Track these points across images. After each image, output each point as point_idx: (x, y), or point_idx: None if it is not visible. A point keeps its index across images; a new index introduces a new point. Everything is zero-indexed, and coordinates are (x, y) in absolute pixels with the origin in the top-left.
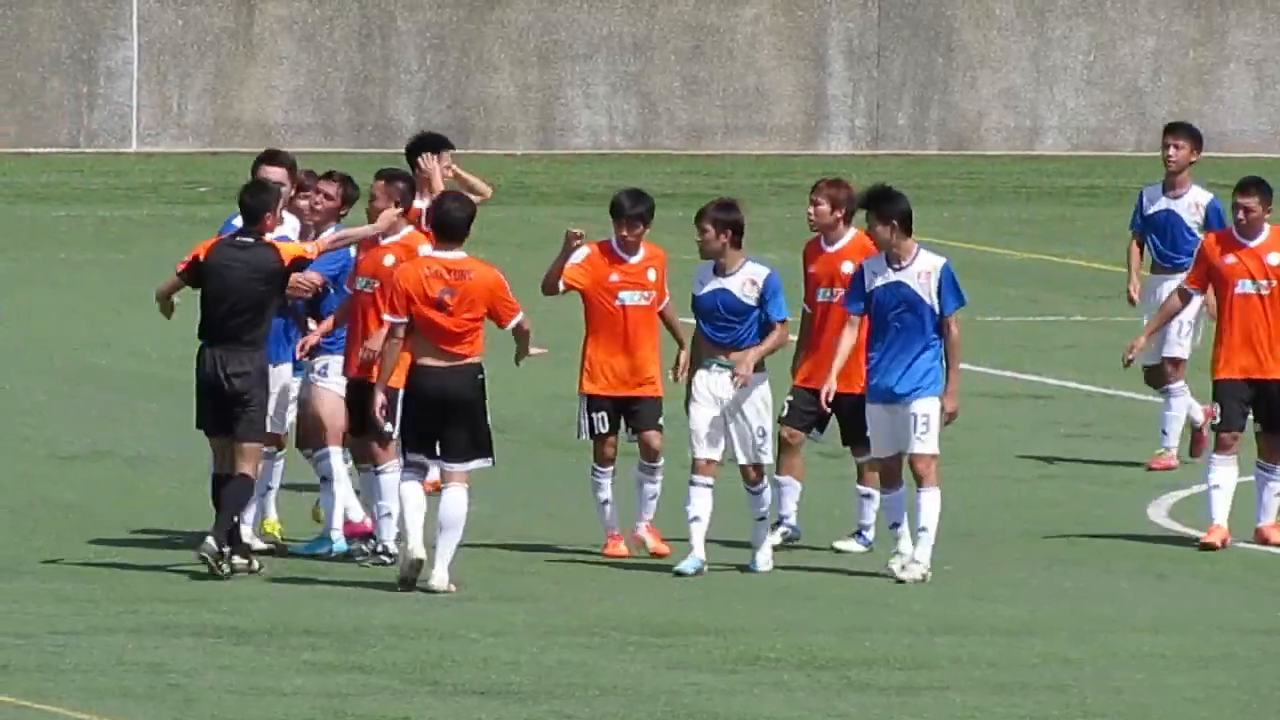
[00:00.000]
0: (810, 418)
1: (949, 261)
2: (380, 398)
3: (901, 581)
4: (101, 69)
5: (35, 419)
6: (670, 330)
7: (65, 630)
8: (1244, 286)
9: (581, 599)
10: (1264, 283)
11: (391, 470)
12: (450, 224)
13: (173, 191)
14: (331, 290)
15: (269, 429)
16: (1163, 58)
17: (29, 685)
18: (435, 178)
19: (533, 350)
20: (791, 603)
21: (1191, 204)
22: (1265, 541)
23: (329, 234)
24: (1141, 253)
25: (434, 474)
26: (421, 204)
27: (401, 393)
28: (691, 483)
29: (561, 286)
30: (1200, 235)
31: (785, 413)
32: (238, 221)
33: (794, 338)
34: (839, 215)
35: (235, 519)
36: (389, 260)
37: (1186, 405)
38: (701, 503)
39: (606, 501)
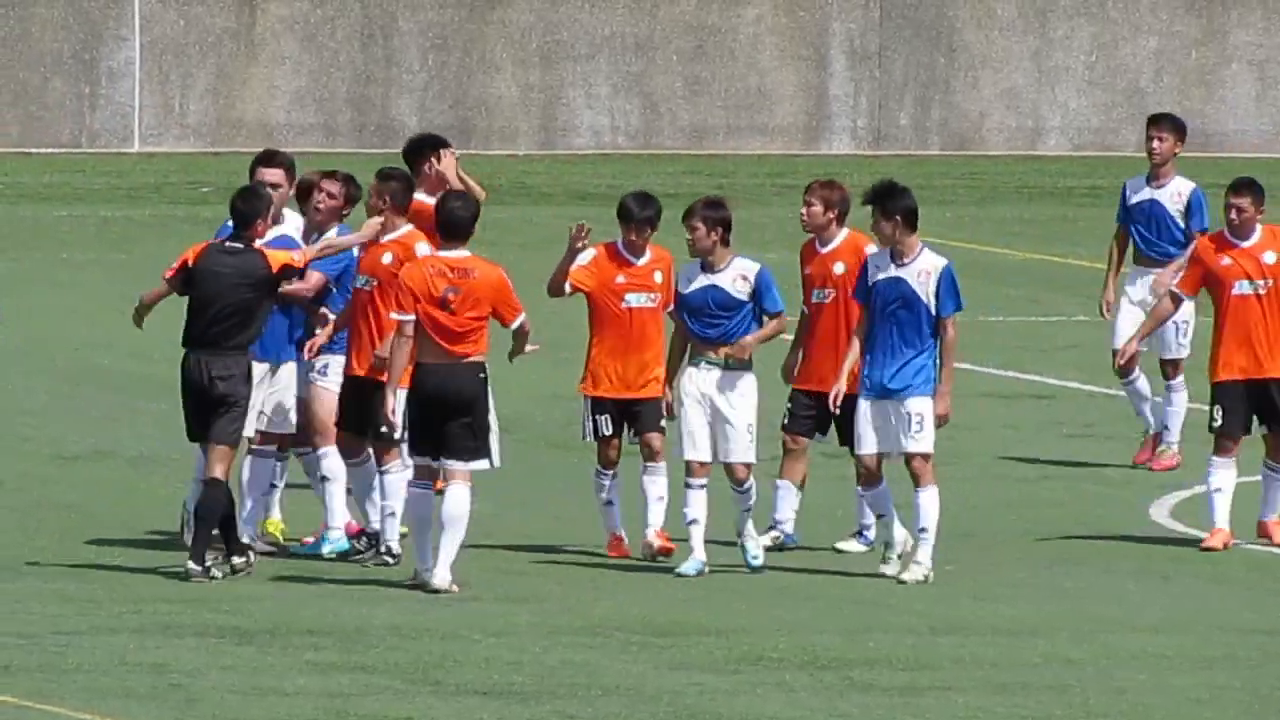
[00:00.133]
0: (810, 422)
1: (951, 264)
2: (390, 399)
3: (903, 582)
4: (103, 69)
5: (37, 419)
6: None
7: (68, 630)
8: (1241, 287)
9: (584, 599)
10: (1261, 282)
11: (395, 470)
12: (454, 223)
13: (175, 192)
14: (334, 290)
15: (276, 429)
16: (1164, 58)
17: (31, 685)
18: (451, 174)
19: (527, 348)
20: (793, 603)
21: (1174, 193)
22: (1266, 536)
23: (317, 243)
24: (1124, 248)
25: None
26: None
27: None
28: (687, 485)
29: (568, 288)
30: (1183, 223)
31: (786, 420)
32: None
33: (787, 337)
34: (831, 216)
35: (214, 531)
36: (387, 258)
37: (1184, 402)
38: (698, 505)
39: (609, 502)
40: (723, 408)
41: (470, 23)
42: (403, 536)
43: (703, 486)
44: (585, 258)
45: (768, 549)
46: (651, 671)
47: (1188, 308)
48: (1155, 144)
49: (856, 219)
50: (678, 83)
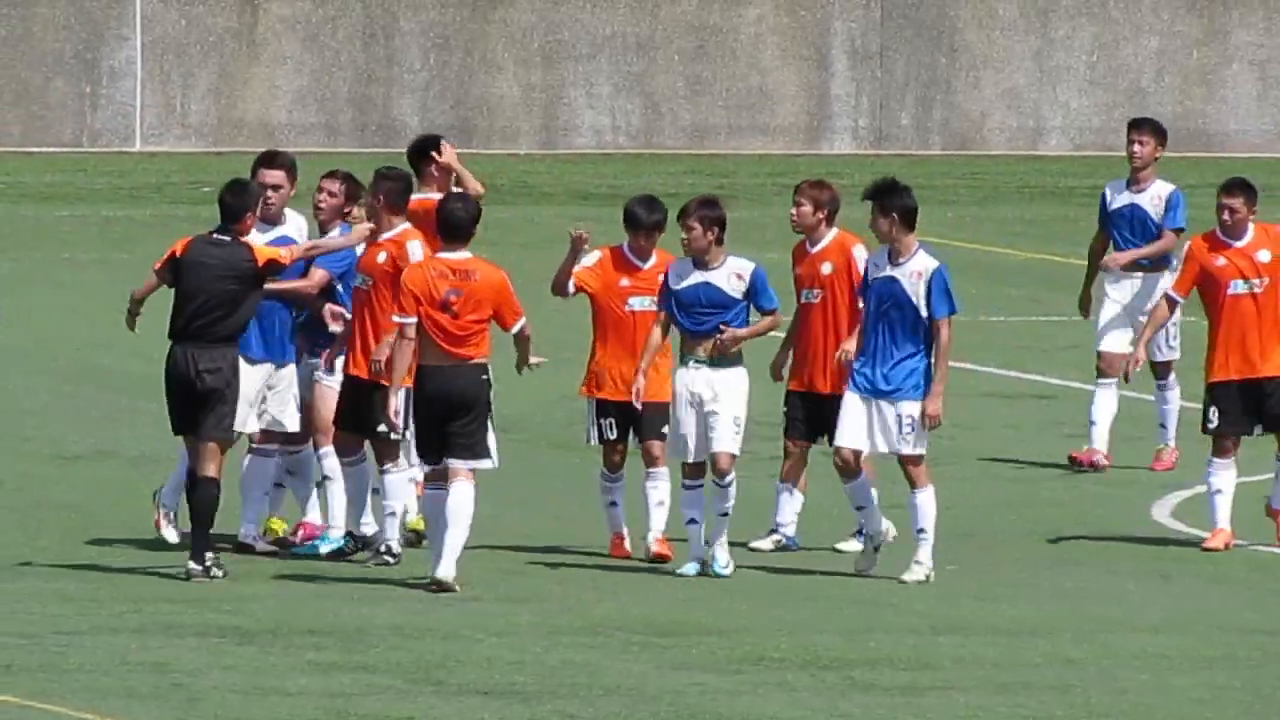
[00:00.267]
0: (814, 422)
1: (944, 266)
2: (394, 401)
3: (904, 582)
4: (105, 69)
5: (38, 419)
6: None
7: (69, 630)
8: (1236, 287)
9: (585, 599)
10: (1256, 281)
11: (397, 470)
12: (454, 224)
13: (176, 191)
14: (339, 289)
15: (278, 429)
16: (1166, 58)
17: (33, 685)
18: (455, 163)
19: (533, 360)
20: (794, 603)
21: (1154, 197)
22: (1276, 517)
23: (304, 242)
24: (1102, 252)
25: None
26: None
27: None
28: (684, 486)
29: (572, 288)
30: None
31: (786, 425)
32: None
33: (780, 334)
34: (821, 216)
35: (210, 529)
36: (381, 257)
37: (1178, 399)
38: (695, 505)
39: (613, 503)
40: (709, 401)
41: (472, 22)
42: (421, 537)
43: (699, 486)
44: (590, 259)
45: (770, 551)
46: (653, 671)
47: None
48: (1136, 147)
49: (853, 219)
50: (679, 82)
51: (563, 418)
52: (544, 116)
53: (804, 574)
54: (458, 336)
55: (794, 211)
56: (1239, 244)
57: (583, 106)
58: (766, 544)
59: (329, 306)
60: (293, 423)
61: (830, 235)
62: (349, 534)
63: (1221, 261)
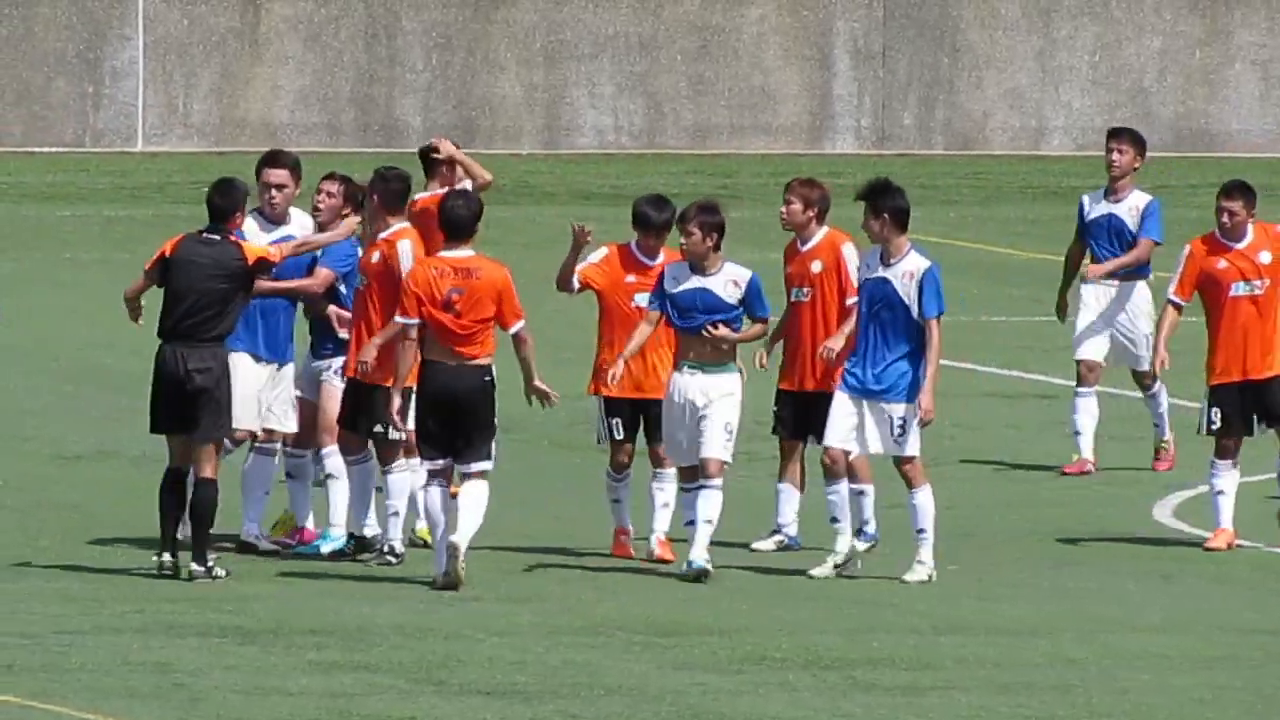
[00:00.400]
0: (800, 421)
1: (935, 266)
2: (396, 400)
3: (905, 582)
4: (107, 69)
5: (39, 419)
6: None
7: (70, 630)
8: (1238, 289)
9: (586, 599)
10: (1257, 282)
11: (399, 470)
12: (455, 222)
13: (178, 191)
14: (343, 288)
15: (280, 428)
16: (1168, 58)
17: (34, 685)
18: (458, 154)
19: (538, 382)
20: (796, 603)
21: (1132, 207)
22: None
23: (293, 240)
24: (1079, 262)
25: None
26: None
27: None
28: (682, 489)
29: (577, 284)
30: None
31: (775, 424)
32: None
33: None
34: (811, 214)
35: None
36: (374, 257)
37: (1166, 399)
38: (694, 506)
39: (618, 500)
40: (702, 405)
41: (474, 22)
42: (425, 545)
43: (697, 488)
44: (596, 256)
45: (772, 552)
46: (654, 671)
47: (1149, 320)
48: (1115, 156)
49: (854, 218)
50: (681, 82)
51: (564, 417)
52: (546, 116)
53: (805, 574)
54: (461, 336)
55: (784, 209)
56: (1239, 246)
57: (585, 106)
58: (768, 544)
59: (334, 310)
60: (290, 424)
61: (821, 234)
62: (351, 535)
63: (1223, 264)
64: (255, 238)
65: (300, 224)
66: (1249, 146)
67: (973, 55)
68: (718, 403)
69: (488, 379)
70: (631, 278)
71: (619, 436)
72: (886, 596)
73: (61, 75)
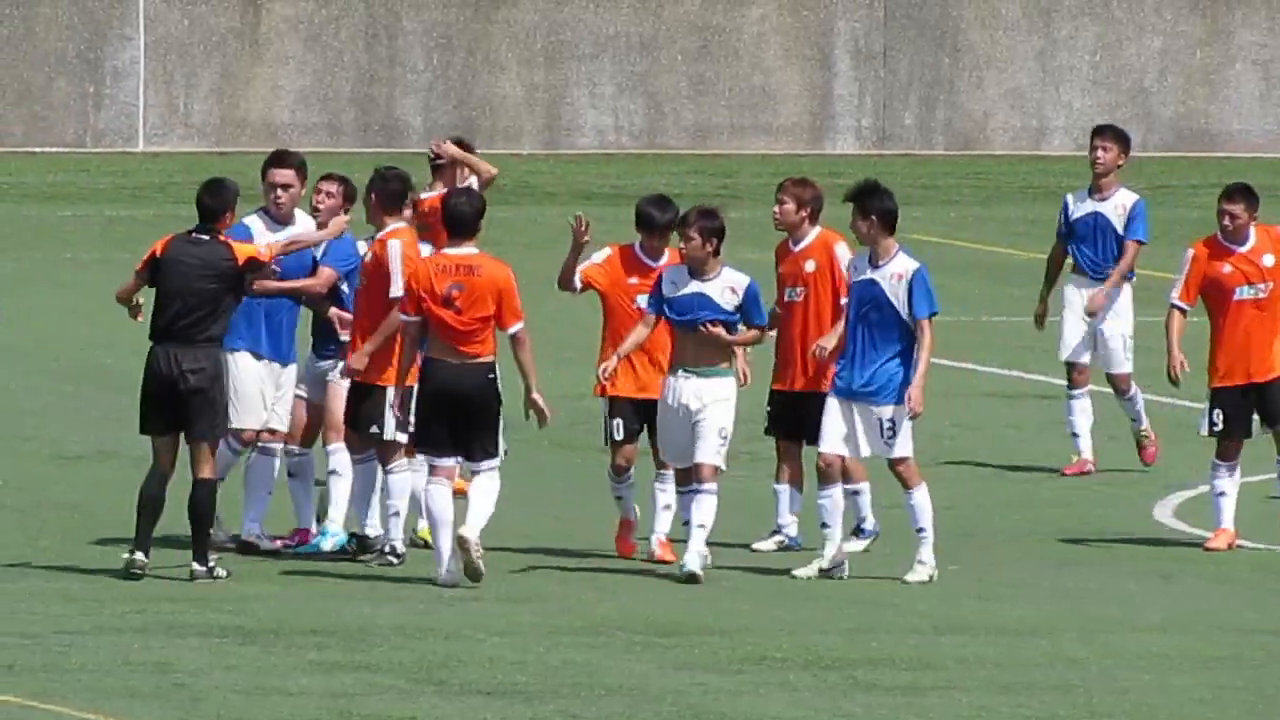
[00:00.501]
0: (791, 421)
1: (924, 267)
2: (392, 397)
3: (907, 583)
4: (108, 69)
5: (39, 419)
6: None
7: (71, 630)
8: (1242, 293)
9: (587, 599)
10: (1261, 286)
11: (400, 469)
12: (458, 219)
13: (179, 191)
14: (346, 288)
15: (282, 428)
16: (1169, 58)
17: (35, 685)
18: (459, 154)
19: (536, 395)
20: (796, 603)
21: (1118, 205)
22: None
23: (281, 238)
24: (1061, 262)
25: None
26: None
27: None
28: (678, 492)
29: (579, 285)
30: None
31: (767, 425)
32: (247, 221)
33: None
34: (804, 214)
35: (210, 530)
36: (369, 256)
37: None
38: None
39: (620, 497)
40: (696, 410)
41: (475, 22)
42: (425, 545)
43: (691, 491)
44: (599, 256)
45: (772, 552)
46: (655, 671)
47: (1128, 323)
48: (1099, 154)
49: (845, 219)
50: (682, 82)
51: (564, 417)
52: (547, 116)
53: (789, 574)
54: (462, 333)
55: (777, 209)
56: (1242, 249)
57: (585, 106)
58: (769, 545)
59: (335, 312)
60: (284, 424)
61: (813, 233)
62: (352, 534)
63: (1228, 269)
64: (262, 237)
65: (305, 225)
66: (1249, 146)
67: (973, 55)
68: (711, 407)
69: (491, 376)
70: (634, 279)
71: (619, 437)
72: (887, 596)
73: (62, 75)
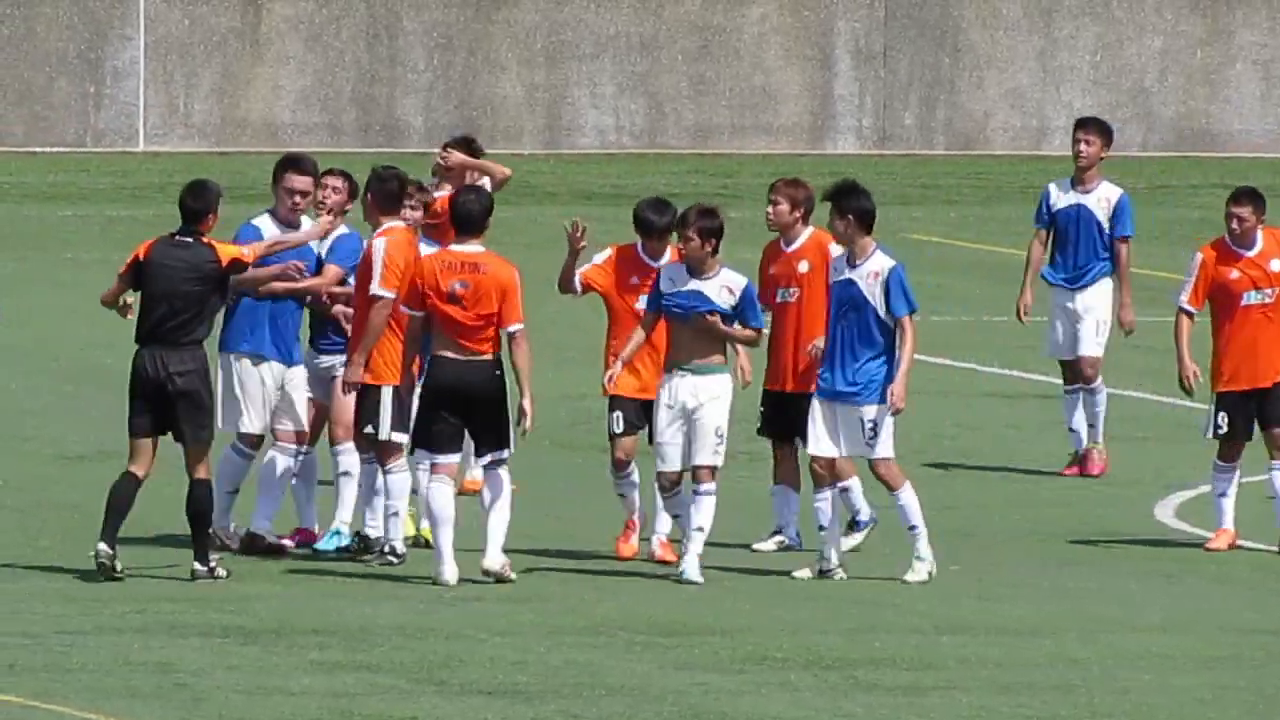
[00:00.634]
0: (783, 421)
1: (900, 266)
2: (388, 400)
3: (907, 583)
4: (108, 69)
5: (40, 419)
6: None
7: (72, 630)
8: (1250, 298)
9: (588, 599)
10: (1269, 291)
11: (398, 469)
12: (466, 217)
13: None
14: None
15: (296, 427)
16: (1169, 58)
17: (36, 685)
18: (469, 161)
19: (526, 402)
20: (797, 603)
21: (1102, 199)
22: None
23: (266, 240)
24: (1041, 252)
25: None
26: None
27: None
28: (662, 497)
29: (580, 287)
30: (1108, 229)
31: (760, 425)
32: (257, 222)
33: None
34: (798, 215)
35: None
36: (360, 256)
37: (1104, 401)
38: (679, 505)
39: (624, 495)
40: (692, 410)
41: (475, 22)
42: (426, 545)
43: (677, 493)
44: (600, 257)
45: (773, 552)
46: (656, 671)
47: (1105, 310)
48: (1082, 147)
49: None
50: (683, 82)
51: (566, 417)
52: (547, 116)
53: (788, 575)
54: (469, 329)
55: (770, 210)
56: (1250, 254)
57: (586, 106)
58: (769, 545)
59: (340, 309)
60: (300, 423)
61: (806, 233)
62: (357, 533)
63: (1235, 274)
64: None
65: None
66: (1250, 146)
67: (974, 55)
68: (707, 405)
69: (498, 372)
70: (635, 279)
71: (618, 430)
72: (888, 597)
73: (63, 75)
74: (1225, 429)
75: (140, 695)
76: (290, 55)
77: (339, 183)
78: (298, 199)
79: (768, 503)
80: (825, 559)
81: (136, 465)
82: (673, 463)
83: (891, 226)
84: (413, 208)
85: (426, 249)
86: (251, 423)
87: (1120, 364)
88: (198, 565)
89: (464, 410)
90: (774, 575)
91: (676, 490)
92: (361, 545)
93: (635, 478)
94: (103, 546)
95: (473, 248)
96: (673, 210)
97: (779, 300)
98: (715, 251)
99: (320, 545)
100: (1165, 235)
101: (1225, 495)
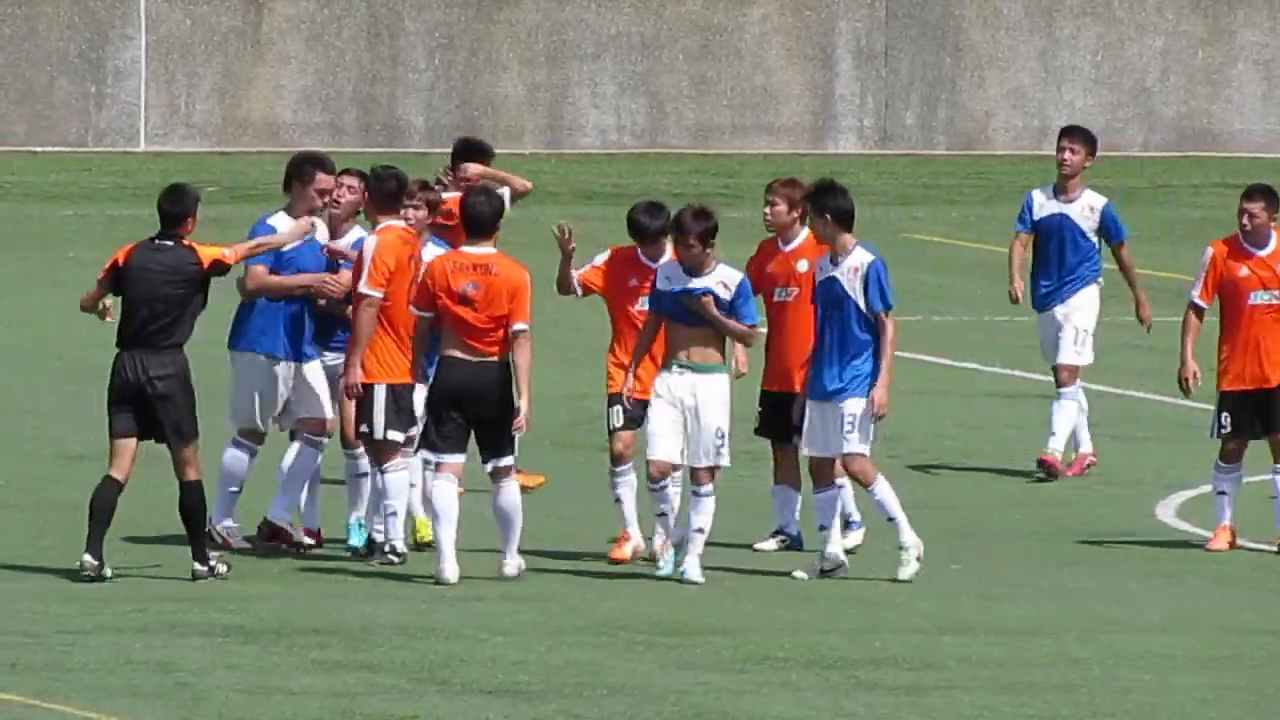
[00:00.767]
0: (782, 421)
1: (880, 261)
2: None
3: (899, 580)
4: (109, 68)
5: (41, 419)
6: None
7: (73, 629)
8: (1257, 298)
9: (589, 598)
10: (1277, 292)
11: (396, 469)
12: (476, 219)
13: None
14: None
15: (316, 415)
16: (1171, 57)
17: (37, 684)
18: (488, 173)
19: (523, 403)
20: (798, 603)
21: (1085, 207)
22: None
23: (249, 241)
24: (1023, 254)
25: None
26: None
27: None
28: (650, 489)
29: (579, 289)
30: (1094, 240)
31: (758, 425)
32: (272, 221)
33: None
34: (795, 215)
35: (205, 528)
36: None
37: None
38: (664, 500)
39: (619, 500)
40: (692, 410)
41: (477, 22)
42: (428, 545)
43: (664, 487)
44: (599, 259)
45: (774, 552)
46: (657, 671)
47: (1088, 318)
48: (1066, 155)
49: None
50: (684, 82)
51: (567, 417)
52: (549, 116)
53: (790, 575)
54: (480, 330)
55: (768, 211)
56: (1261, 253)
57: (587, 106)
58: (771, 545)
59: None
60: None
61: (804, 233)
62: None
63: (1244, 272)
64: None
65: (320, 229)
66: (1251, 146)
67: (975, 55)
68: (707, 405)
69: (507, 374)
70: (634, 281)
71: (617, 424)
72: (889, 596)
73: (64, 75)
74: (1229, 429)
75: (141, 694)
76: (291, 55)
77: (355, 182)
78: (326, 198)
79: (768, 503)
80: (826, 559)
81: (116, 468)
82: (663, 452)
83: (893, 226)
84: (415, 207)
85: (437, 249)
86: (259, 421)
87: (1120, 364)
88: (197, 566)
89: (471, 412)
90: (775, 575)
91: (664, 484)
92: (368, 546)
93: (632, 479)
94: (88, 558)
95: (484, 249)
96: (665, 213)
97: (777, 300)
98: (710, 247)
99: (352, 542)
100: (1166, 235)
101: (1226, 494)
